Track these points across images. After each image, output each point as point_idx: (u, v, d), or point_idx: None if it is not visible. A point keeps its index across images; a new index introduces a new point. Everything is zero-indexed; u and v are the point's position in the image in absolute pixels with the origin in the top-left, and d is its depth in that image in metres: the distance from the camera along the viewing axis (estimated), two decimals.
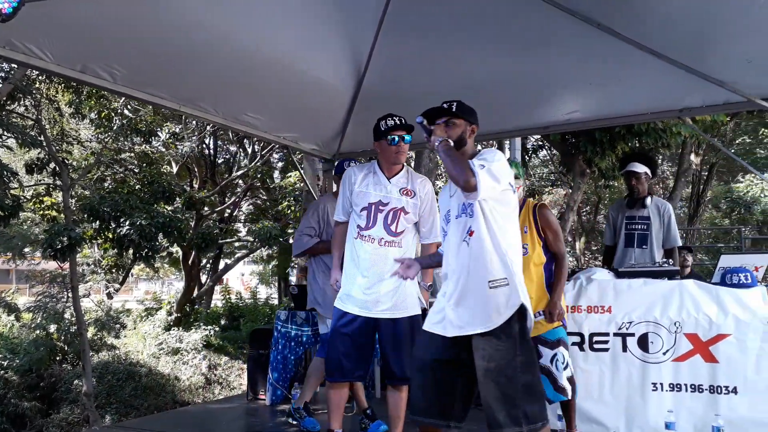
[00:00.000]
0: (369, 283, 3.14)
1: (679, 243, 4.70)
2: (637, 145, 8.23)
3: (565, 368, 3.28)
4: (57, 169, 10.72)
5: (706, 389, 3.56)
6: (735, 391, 3.52)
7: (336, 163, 4.07)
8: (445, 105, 2.68)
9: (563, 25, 3.53)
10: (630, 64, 3.76)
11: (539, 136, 12.67)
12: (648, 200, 4.50)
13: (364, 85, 4.58)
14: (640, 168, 4.47)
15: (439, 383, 2.48)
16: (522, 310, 2.39)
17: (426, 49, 4.04)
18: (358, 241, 3.20)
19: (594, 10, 3.41)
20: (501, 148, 12.17)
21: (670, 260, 4.27)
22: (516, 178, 3.16)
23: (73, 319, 11.63)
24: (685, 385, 3.61)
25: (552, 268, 3.39)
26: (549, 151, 14.13)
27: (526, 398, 2.34)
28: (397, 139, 3.16)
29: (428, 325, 2.56)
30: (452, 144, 2.53)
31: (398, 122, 3.20)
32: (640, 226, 4.51)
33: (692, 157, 14.51)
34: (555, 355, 3.26)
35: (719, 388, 3.54)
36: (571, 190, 9.78)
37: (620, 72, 3.94)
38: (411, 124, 3.10)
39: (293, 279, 10.76)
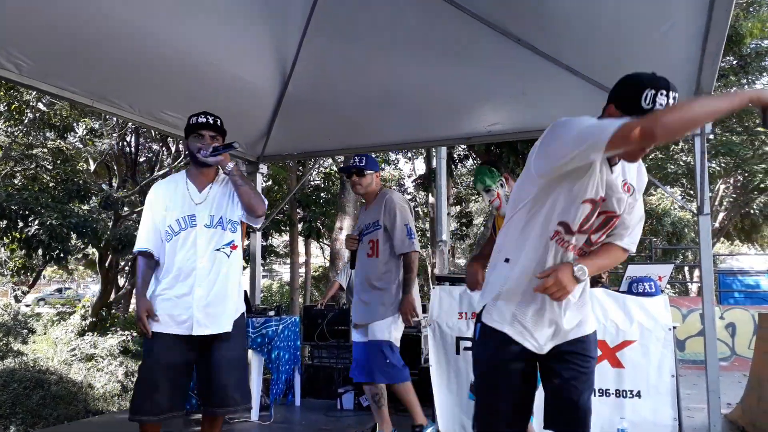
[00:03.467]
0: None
1: None
2: None
3: None
4: None
5: (613, 393, 3.72)
6: (639, 395, 3.69)
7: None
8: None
9: (484, 38, 3.62)
10: (547, 79, 3.88)
11: (465, 146, 12.93)
12: None
13: (290, 89, 4.53)
14: None
15: (174, 382, 2.88)
16: (243, 315, 3.03)
17: (351, 55, 4.03)
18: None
19: (513, 25, 3.52)
20: (428, 156, 12.34)
21: None
22: (487, 191, 3.18)
23: None
24: (594, 389, 3.75)
25: None
26: (475, 161, 14.45)
27: (247, 381, 3.08)
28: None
29: (167, 329, 2.80)
30: None
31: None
32: None
33: None
34: None
35: (624, 392, 3.71)
36: None
37: (538, 86, 4.07)
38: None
39: None
